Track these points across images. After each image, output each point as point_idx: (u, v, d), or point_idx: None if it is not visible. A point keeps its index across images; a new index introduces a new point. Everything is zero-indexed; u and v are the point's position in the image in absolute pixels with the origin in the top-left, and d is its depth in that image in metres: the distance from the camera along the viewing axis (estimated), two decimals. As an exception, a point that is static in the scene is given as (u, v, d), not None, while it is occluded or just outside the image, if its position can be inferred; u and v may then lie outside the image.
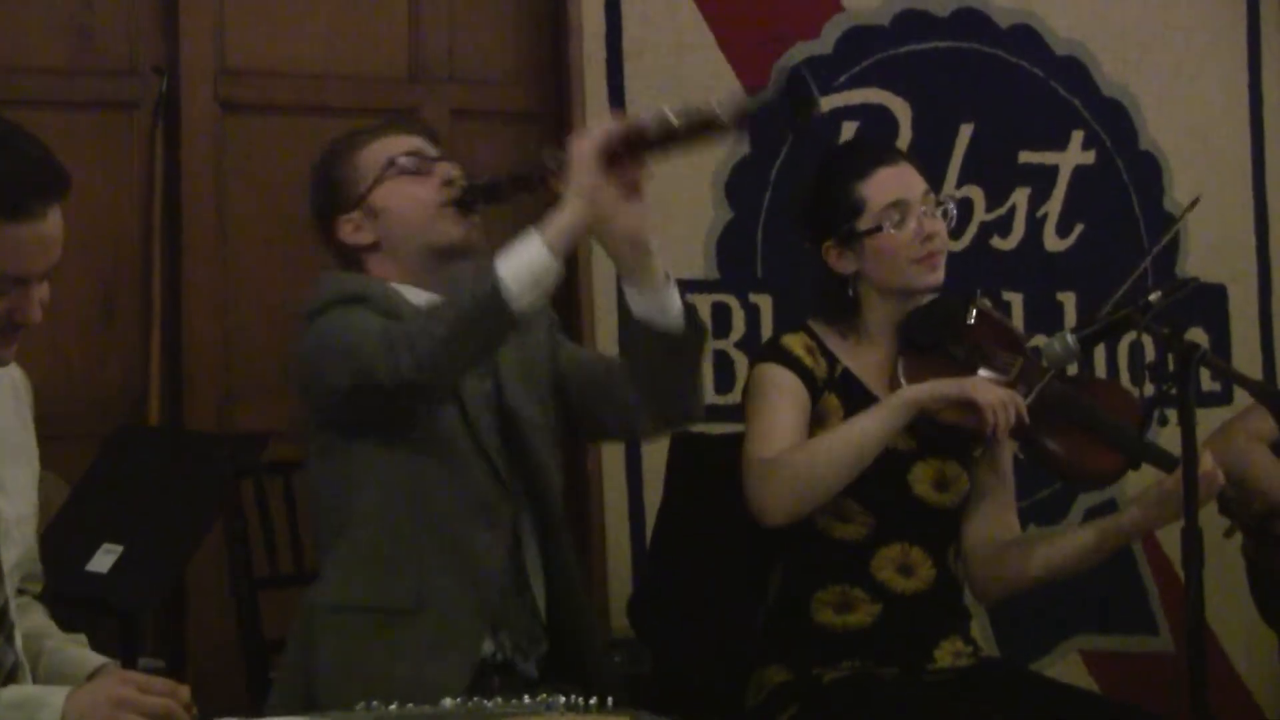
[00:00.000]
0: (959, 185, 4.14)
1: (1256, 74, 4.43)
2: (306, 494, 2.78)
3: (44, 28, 3.67)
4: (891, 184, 2.90)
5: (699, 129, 2.41)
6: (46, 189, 1.99)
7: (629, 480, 3.84)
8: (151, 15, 3.74)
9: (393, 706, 2.07)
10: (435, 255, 2.69)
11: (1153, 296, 2.81)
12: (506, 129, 3.98)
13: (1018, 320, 4.12)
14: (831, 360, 2.93)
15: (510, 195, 2.71)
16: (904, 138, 4.07)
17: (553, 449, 2.75)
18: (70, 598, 2.89)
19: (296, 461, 3.18)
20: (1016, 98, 4.22)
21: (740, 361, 3.89)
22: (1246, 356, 4.37)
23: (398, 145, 2.74)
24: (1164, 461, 2.84)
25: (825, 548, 2.89)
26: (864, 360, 2.94)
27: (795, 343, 2.92)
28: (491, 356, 2.61)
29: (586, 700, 2.12)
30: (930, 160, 3.59)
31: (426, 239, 2.69)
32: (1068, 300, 4.21)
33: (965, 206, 4.11)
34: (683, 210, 3.90)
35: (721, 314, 3.96)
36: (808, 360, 2.90)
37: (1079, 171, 4.27)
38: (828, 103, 4.02)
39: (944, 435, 2.86)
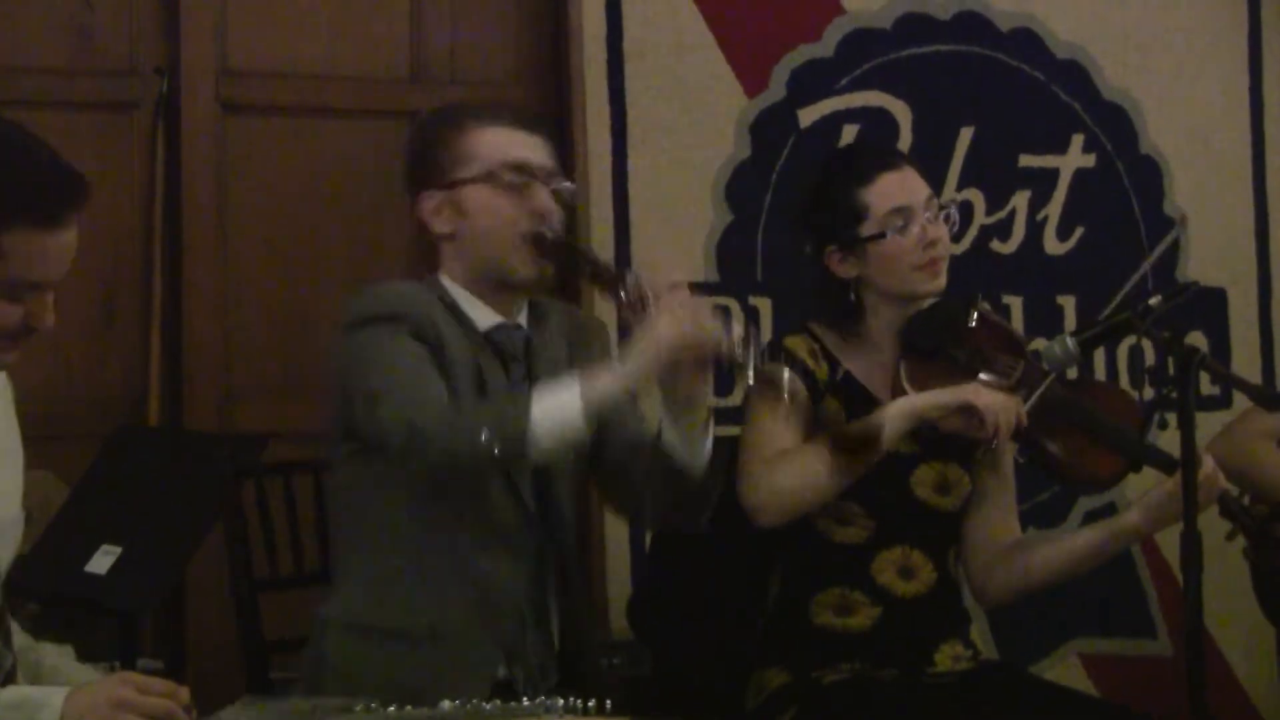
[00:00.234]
0: (959, 188, 4.13)
1: (1257, 78, 4.43)
2: (329, 492, 2.75)
3: (44, 28, 3.67)
4: (894, 190, 2.90)
5: (766, 385, 2.46)
6: (76, 198, 1.99)
7: (629, 481, 3.83)
8: (152, 15, 3.73)
9: (391, 709, 2.07)
10: (499, 279, 2.64)
11: (1153, 300, 2.82)
12: (507, 130, 3.98)
13: (1018, 324, 4.12)
14: (833, 363, 2.93)
15: (582, 273, 2.66)
16: (904, 141, 4.06)
17: (574, 487, 2.73)
18: (70, 598, 2.90)
19: (297, 462, 3.19)
20: (1017, 101, 4.21)
21: (740, 363, 3.88)
22: (1246, 360, 4.36)
23: (511, 146, 2.65)
24: (1164, 464, 2.83)
25: (825, 550, 2.89)
26: (865, 363, 2.94)
27: (797, 345, 2.92)
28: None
29: (584, 702, 2.12)
30: (931, 163, 3.59)
31: (498, 261, 2.63)
32: (1068, 304, 4.20)
33: (965, 209, 4.11)
34: (683, 213, 3.89)
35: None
36: (810, 363, 2.90)
37: (1079, 175, 4.26)
38: (829, 105, 4.03)
39: (946, 440, 2.86)
